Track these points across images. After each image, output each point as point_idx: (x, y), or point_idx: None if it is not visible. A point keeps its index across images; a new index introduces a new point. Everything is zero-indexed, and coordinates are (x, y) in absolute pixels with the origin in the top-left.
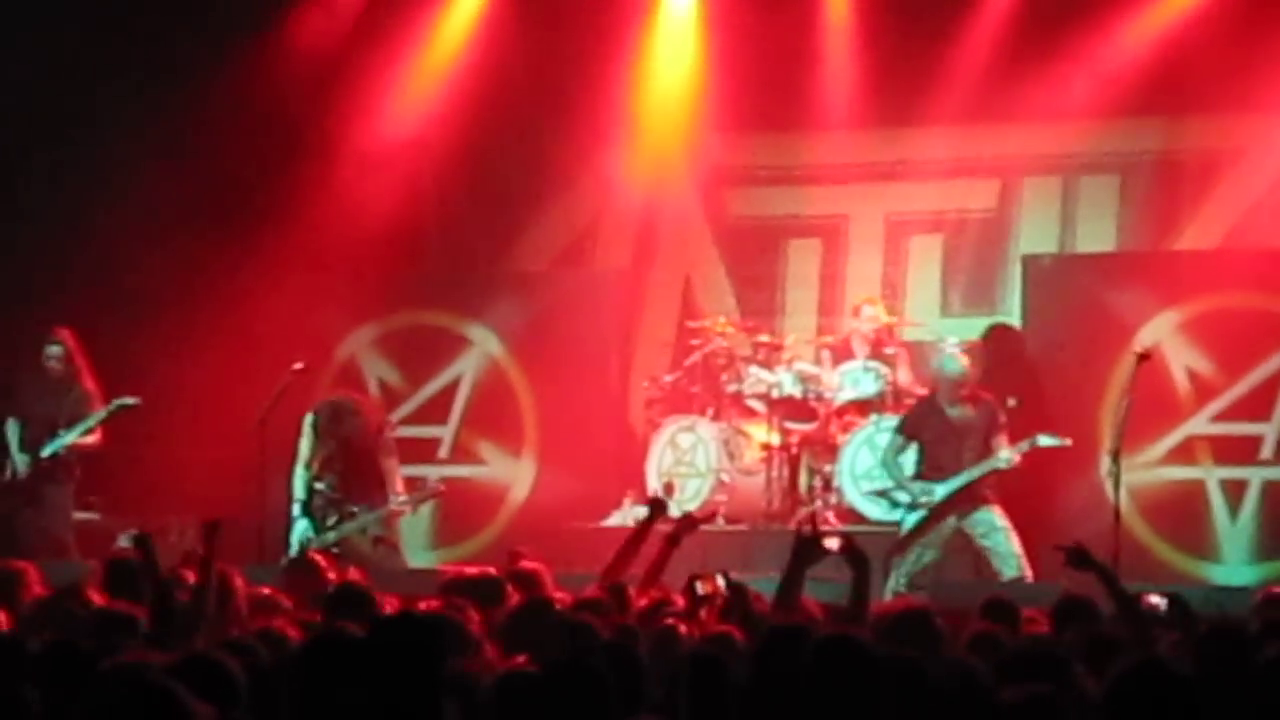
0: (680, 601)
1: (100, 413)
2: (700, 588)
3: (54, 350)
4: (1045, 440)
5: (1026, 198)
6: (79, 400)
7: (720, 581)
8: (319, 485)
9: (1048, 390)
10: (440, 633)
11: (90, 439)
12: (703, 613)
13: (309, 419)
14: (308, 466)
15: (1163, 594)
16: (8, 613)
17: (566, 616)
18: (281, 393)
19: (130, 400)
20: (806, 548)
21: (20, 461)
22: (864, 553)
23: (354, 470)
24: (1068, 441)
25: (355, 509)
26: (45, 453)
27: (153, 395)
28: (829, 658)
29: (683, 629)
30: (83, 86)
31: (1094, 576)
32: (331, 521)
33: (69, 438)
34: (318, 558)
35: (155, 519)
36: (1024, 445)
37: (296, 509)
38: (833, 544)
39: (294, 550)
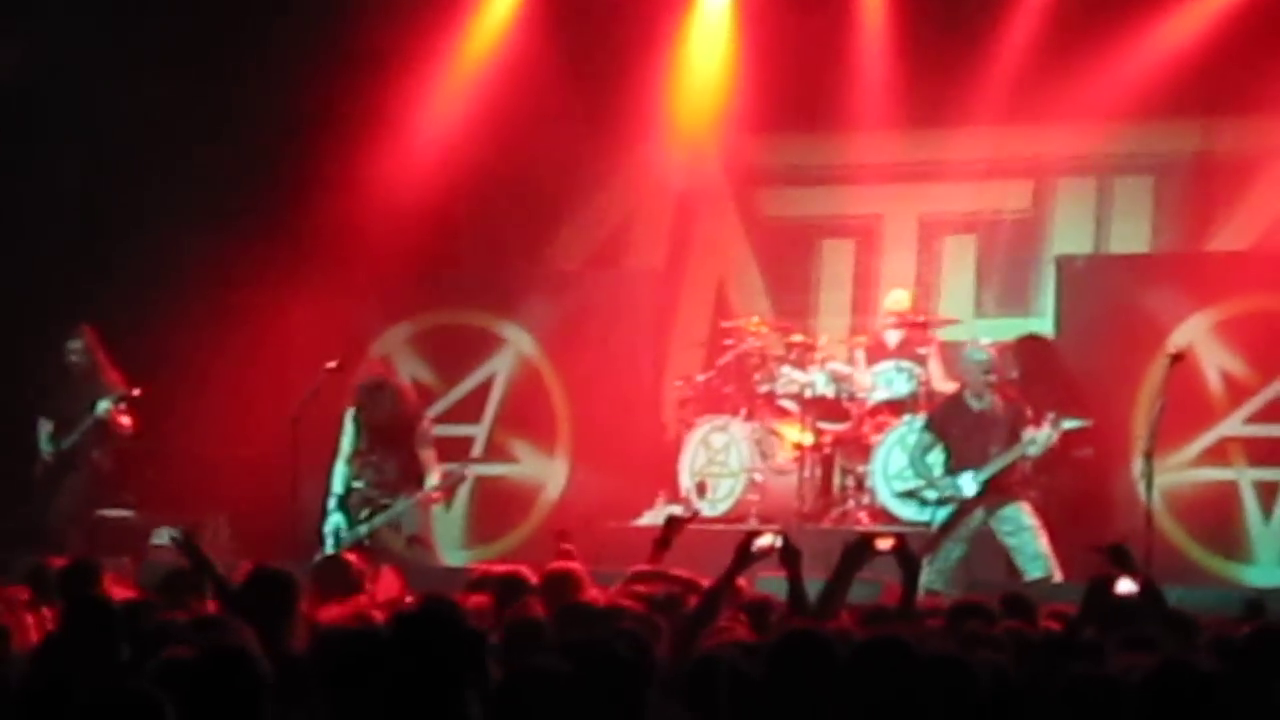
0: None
1: (104, 404)
2: (758, 544)
3: (74, 344)
4: (1068, 423)
5: (1061, 198)
6: (95, 397)
7: (778, 541)
8: (357, 484)
9: (1084, 395)
10: (463, 626)
11: (124, 421)
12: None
13: (350, 412)
14: (348, 462)
15: (1134, 579)
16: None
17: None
18: (315, 391)
19: (126, 392)
20: (857, 548)
21: (46, 451)
22: (915, 554)
23: (390, 459)
24: (1089, 422)
25: (388, 500)
26: (63, 446)
27: (186, 393)
28: (874, 659)
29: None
30: (115, 79)
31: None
32: (364, 515)
33: (76, 434)
34: (349, 556)
35: (188, 517)
36: (1047, 429)
37: (332, 502)
38: (885, 544)
39: (327, 542)
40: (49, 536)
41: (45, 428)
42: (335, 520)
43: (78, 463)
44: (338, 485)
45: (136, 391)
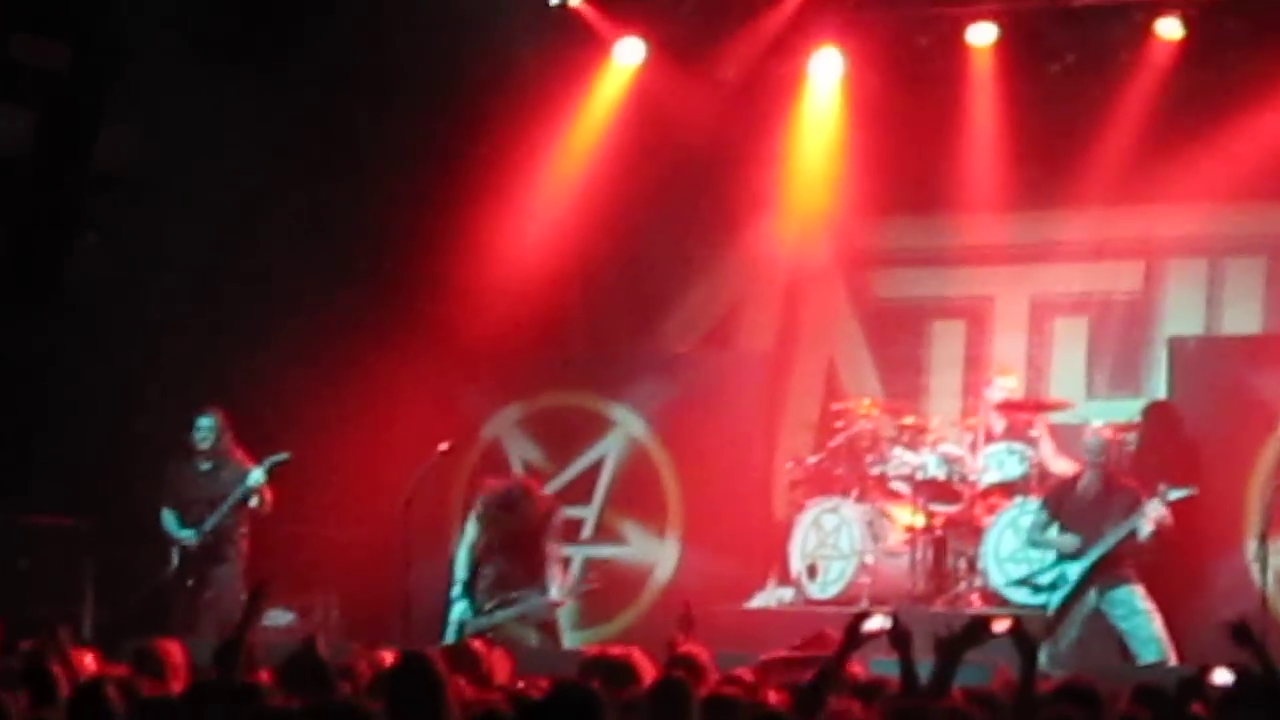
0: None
1: (257, 473)
2: (868, 626)
3: (205, 422)
4: (1174, 493)
5: (1172, 279)
6: (235, 475)
7: (888, 623)
8: (483, 571)
9: (1200, 469)
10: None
11: (268, 497)
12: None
13: (477, 507)
14: (471, 549)
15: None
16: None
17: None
18: (427, 474)
19: (282, 455)
20: (973, 630)
21: (186, 536)
22: (1032, 636)
23: (517, 558)
24: (1194, 490)
25: (515, 595)
26: (207, 526)
27: (298, 476)
28: None
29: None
30: (231, 169)
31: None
32: (489, 606)
33: (226, 507)
34: (477, 645)
35: (301, 599)
36: (1156, 503)
37: (457, 589)
38: (1001, 626)
39: (451, 630)
40: (202, 629)
41: (170, 516)
42: (460, 608)
43: (225, 552)
44: (462, 571)
45: (287, 456)
